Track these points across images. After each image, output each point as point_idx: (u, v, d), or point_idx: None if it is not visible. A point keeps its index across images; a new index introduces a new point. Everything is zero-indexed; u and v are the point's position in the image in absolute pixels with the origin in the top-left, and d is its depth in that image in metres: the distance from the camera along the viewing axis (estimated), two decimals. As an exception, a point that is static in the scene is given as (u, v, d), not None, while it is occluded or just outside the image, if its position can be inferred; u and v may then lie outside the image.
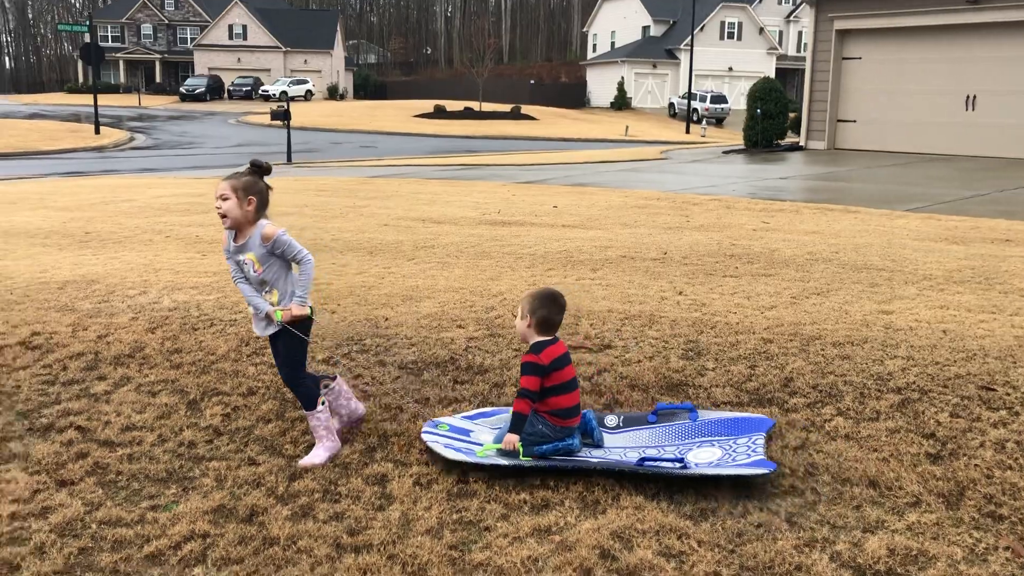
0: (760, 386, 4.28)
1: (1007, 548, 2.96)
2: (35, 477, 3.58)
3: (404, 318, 5.36)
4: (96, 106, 35.97)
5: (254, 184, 3.65)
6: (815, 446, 3.70)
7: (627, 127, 46.12)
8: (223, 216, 3.62)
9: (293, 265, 3.74)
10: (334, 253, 7.58)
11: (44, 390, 4.49)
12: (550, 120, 49.83)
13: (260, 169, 3.71)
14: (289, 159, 23.32)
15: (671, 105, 60.83)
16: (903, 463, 3.53)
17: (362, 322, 5.30)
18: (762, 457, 3.48)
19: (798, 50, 67.25)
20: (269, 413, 4.17)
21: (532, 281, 6.31)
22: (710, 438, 3.75)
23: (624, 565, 2.88)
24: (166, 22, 77.71)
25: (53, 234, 8.81)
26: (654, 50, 66.79)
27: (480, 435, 3.80)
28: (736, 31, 66.09)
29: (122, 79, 75.46)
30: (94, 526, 3.20)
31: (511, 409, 3.66)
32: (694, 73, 51.73)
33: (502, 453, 3.57)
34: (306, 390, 3.77)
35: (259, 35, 73.55)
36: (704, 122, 48.78)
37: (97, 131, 34.91)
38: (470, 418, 3.96)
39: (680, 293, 5.98)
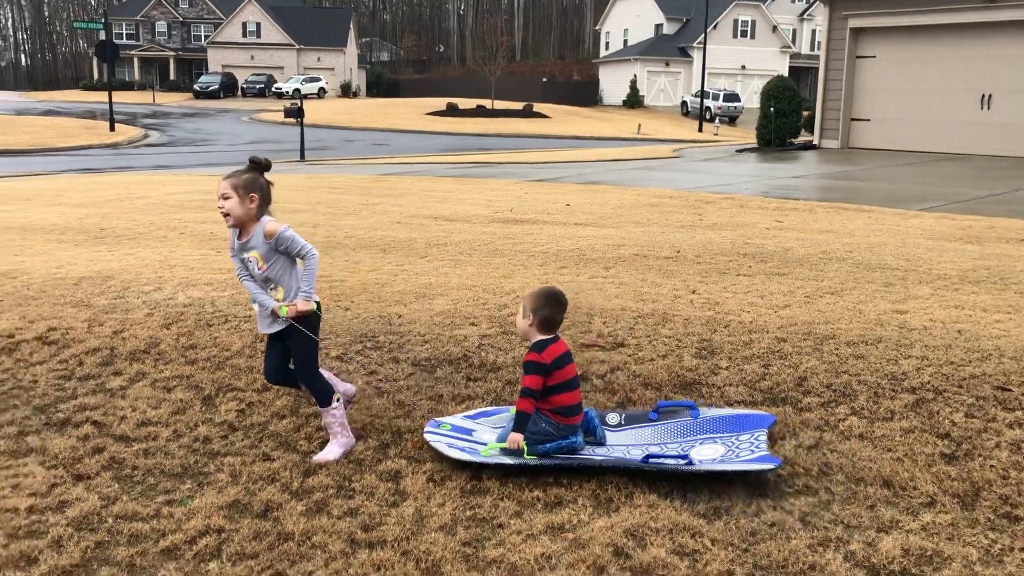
0: (774, 385, 4.27)
1: (1023, 549, 2.95)
2: (52, 471, 3.61)
3: (417, 315, 5.38)
4: (111, 103, 36.14)
5: (254, 181, 3.66)
6: (829, 445, 3.69)
7: (640, 125, 46.05)
8: (226, 215, 3.64)
9: (298, 261, 3.75)
10: (347, 250, 7.60)
11: (60, 385, 4.52)
12: (562, 118, 49.81)
13: (259, 166, 3.72)
14: (302, 156, 23.40)
15: (684, 103, 60.72)
16: (918, 463, 3.52)
17: (375, 319, 5.31)
18: (766, 453, 3.48)
19: (812, 48, 67.00)
20: (283, 409, 4.19)
21: (544, 279, 6.31)
22: (712, 435, 3.75)
23: (638, 563, 2.88)
24: (180, 20, 78.09)
25: (69, 230, 8.87)
26: (667, 48, 66.63)
27: (482, 434, 3.80)
28: (749, 29, 65.86)
29: (136, 76, 75.96)
30: (110, 520, 3.23)
31: (512, 408, 3.66)
32: (707, 71, 51.64)
33: (506, 452, 3.57)
34: (321, 387, 3.79)
35: (272, 33, 73.78)
36: (717, 120, 48.68)
37: (112, 128, 35.09)
38: (471, 417, 3.97)
39: (693, 292, 5.98)
